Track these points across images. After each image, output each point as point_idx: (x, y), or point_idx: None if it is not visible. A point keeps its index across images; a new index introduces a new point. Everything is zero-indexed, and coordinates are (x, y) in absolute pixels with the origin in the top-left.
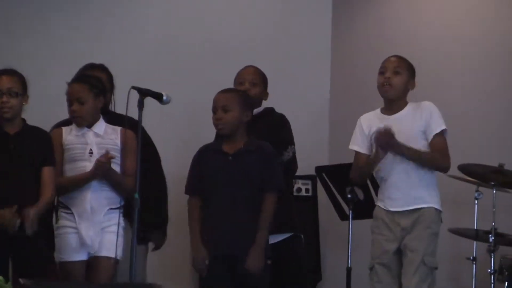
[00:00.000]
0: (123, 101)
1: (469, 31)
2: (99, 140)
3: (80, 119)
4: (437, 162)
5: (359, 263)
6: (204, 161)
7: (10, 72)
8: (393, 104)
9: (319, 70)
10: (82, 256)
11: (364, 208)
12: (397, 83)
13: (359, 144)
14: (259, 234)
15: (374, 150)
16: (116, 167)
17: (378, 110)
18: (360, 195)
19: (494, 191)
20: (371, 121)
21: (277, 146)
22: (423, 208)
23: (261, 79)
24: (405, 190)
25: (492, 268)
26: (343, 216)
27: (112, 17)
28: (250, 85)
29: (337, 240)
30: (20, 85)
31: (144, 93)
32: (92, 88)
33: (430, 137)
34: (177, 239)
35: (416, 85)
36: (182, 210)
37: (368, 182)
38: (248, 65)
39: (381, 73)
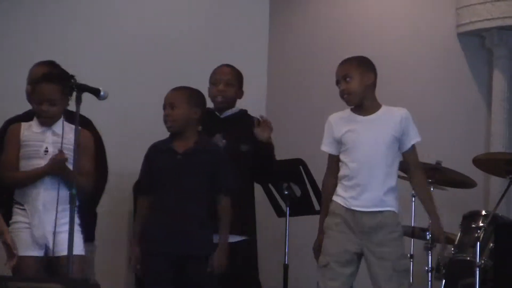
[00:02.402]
0: None
1: (404, 28)
2: (56, 139)
3: (50, 120)
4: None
5: (296, 260)
6: (154, 158)
7: None
8: (363, 105)
9: (256, 69)
10: (36, 252)
11: (301, 205)
12: (352, 89)
13: (329, 145)
14: (222, 236)
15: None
16: (69, 165)
17: (348, 111)
18: (297, 191)
19: (431, 189)
20: (342, 122)
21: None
22: (385, 211)
23: (237, 79)
24: (371, 193)
25: (429, 265)
26: (280, 213)
27: (69, 14)
28: (225, 86)
29: (274, 237)
30: None
31: (81, 88)
32: (65, 89)
33: (406, 146)
34: (113, 236)
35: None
36: (119, 208)
37: (305, 178)
38: (223, 64)
39: (337, 85)
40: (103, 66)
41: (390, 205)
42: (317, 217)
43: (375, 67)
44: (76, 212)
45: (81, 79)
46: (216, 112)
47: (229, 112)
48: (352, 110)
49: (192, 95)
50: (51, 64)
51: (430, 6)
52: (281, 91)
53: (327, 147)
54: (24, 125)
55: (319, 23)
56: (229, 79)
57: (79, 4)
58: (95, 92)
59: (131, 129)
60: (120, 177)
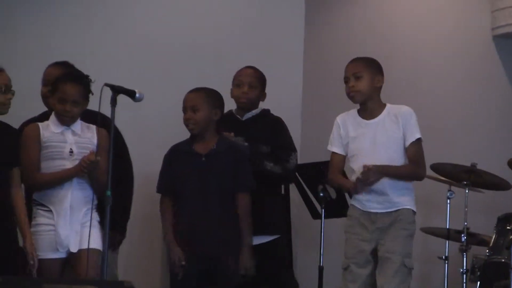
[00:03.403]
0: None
1: (439, 30)
2: (77, 139)
3: (71, 119)
4: (414, 174)
5: (331, 262)
6: (176, 161)
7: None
8: (367, 107)
9: (292, 69)
10: (59, 254)
11: (337, 207)
12: (361, 87)
13: (336, 145)
14: (245, 235)
15: (356, 185)
16: None
17: (355, 112)
18: (333, 193)
19: (467, 191)
20: (348, 124)
21: (280, 153)
22: (400, 209)
23: (259, 81)
24: (385, 196)
25: (464, 267)
26: (315, 215)
27: (89, 15)
28: (248, 88)
29: (309, 239)
30: (9, 80)
31: (117, 90)
32: (86, 90)
33: (406, 145)
34: (148, 237)
35: (386, 81)
36: (153, 208)
37: None
38: (247, 66)
39: (345, 82)
40: (135, 68)
41: (405, 204)
42: None
43: (383, 71)
44: (95, 210)
45: (98, 79)
46: (238, 115)
47: (250, 114)
48: (358, 111)
49: (211, 96)
50: (66, 64)
51: (465, 9)
52: (317, 93)
53: (335, 148)
54: (42, 125)
55: (354, 24)
56: (252, 81)
57: (108, 6)
58: (131, 94)
59: (168, 131)
60: (155, 178)
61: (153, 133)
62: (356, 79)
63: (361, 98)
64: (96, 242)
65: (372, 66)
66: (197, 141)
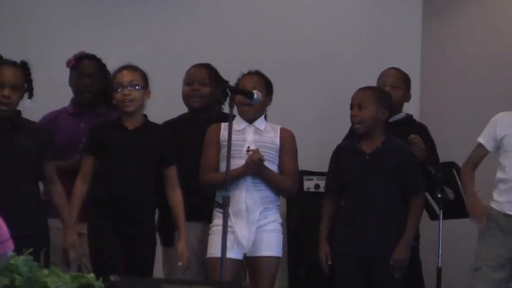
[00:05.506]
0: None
1: None
2: (257, 138)
3: (247, 109)
4: None
5: (449, 263)
6: (342, 159)
7: (132, 67)
8: None
9: (409, 68)
10: (235, 254)
11: (454, 208)
12: None
13: (486, 139)
14: (408, 230)
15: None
16: (272, 165)
17: None
18: (451, 194)
19: None
20: (508, 123)
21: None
22: None
23: (403, 81)
24: None
25: None
26: (433, 216)
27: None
28: (391, 88)
29: (427, 239)
30: (141, 79)
31: (235, 91)
32: (265, 85)
33: None
34: None
35: (505, 82)
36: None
37: (459, 182)
38: (390, 67)
39: None
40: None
41: None
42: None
43: None
44: (277, 211)
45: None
46: None
47: (397, 116)
48: None
49: (381, 95)
50: (208, 66)
51: None
52: (435, 95)
53: (484, 140)
54: (224, 125)
55: (473, 24)
56: (394, 82)
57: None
58: (249, 95)
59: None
60: None
61: None
62: None
63: None
64: (273, 248)
65: None
66: (364, 140)
